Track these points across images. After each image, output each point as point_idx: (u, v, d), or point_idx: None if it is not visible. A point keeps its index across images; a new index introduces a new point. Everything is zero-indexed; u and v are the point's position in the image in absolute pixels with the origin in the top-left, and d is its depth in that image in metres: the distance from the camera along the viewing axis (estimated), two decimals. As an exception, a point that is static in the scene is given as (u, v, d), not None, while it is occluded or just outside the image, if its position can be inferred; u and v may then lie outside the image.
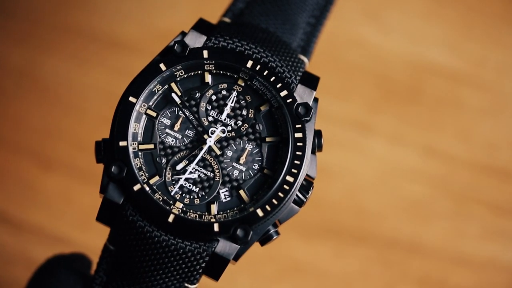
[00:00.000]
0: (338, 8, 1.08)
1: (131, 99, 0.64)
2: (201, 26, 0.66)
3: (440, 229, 1.03)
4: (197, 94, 0.65)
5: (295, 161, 0.63)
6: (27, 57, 1.06)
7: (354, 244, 1.02)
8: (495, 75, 1.09)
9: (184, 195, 0.64)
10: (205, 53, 0.64)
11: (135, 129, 0.64)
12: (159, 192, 0.63)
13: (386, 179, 1.04)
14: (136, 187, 0.62)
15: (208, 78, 0.65)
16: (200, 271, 0.63)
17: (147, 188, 0.63)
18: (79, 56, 1.06)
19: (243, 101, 0.65)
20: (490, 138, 1.06)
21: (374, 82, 1.07)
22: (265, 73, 0.64)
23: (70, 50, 1.06)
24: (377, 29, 1.10)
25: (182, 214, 0.62)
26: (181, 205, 0.63)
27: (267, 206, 0.62)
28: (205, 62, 0.64)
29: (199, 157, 0.64)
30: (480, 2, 1.11)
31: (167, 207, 0.62)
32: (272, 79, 0.64)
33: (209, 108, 0.65)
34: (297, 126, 0.63)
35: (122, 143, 0.63)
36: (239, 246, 0.62)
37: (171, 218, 0.62)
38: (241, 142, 0.65)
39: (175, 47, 0.64)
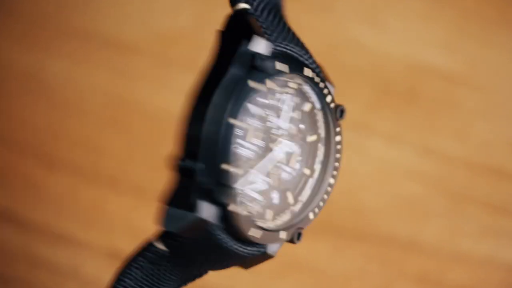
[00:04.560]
0: (335, 10, 1.10)
1: (231, 120, 0.60)
2: (254, 29, 0.63)
3: (437, 227, 1.03)
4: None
5: (335, 164, 0.64)
6: (32, 58, 1.06)
7: (352, 242, 1.02)
8: (491, 76, 1.09)
9: (250, 204, 0.62)
10: (278, 65, 0.62)
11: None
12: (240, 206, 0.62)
13: (384, 178, 1.05)
14: (231, 208, 0.59)
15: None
16: None
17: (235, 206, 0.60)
18: (82, 58, 1.06)
19: (293, 103, 0.64)
20: (486, 138, 1.07)
21: (370, 83, 1.08)
22: (315, 80, 0.64)
23: (73, 51, 1.06)
24: (374, 30, 1.10)
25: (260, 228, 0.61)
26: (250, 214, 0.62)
27: (316, 209, 0.63)
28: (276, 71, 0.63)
29: (265, 166, 0.63)
30: (475, 4, 1.11)
31: (250, 222, 0.60)
32: (320, 85, 0.64)
33: (269, 113, 0.63)
34: (337, 129, 0.64)
35: (224, 166, 0.59)
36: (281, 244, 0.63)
37: (255, 233, 0.60)
38: (289, 144, 0.64)
39: (257, 62, 0.61)
